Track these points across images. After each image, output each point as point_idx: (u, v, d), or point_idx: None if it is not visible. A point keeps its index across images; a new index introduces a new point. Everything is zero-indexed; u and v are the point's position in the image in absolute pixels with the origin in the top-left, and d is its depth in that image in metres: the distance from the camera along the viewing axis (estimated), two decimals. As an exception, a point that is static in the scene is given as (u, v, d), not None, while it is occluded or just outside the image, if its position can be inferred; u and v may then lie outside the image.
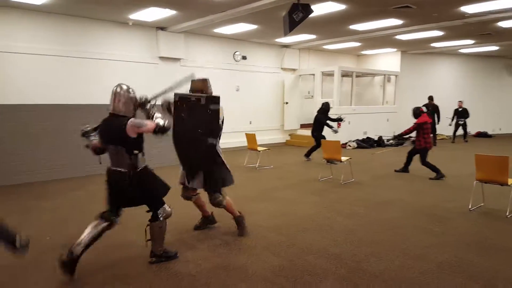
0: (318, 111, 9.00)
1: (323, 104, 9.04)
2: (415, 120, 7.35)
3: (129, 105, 3.22)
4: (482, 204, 5.23)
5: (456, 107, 13.26)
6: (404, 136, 7.73)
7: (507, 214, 4.82)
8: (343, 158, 6.95)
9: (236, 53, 11.46)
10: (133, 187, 3.20)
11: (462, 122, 13.20)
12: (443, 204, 5.46)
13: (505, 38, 11.14)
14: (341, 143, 7.14)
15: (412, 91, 13.85)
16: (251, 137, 8.44)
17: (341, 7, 7.45)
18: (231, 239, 4.05)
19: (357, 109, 12.60)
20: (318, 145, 8.72)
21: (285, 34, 6.76)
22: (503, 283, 3.10)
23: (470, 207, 5.14)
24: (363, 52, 14.29)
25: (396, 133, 8.07)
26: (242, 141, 9.16)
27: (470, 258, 3.58)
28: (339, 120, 9.14)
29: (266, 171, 7.89)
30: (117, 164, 3.22)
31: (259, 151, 8.32)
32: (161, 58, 9.89)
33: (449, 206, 5.34)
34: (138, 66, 9.48)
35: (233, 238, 4.06)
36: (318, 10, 7.37)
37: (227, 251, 3.73)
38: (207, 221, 4.41)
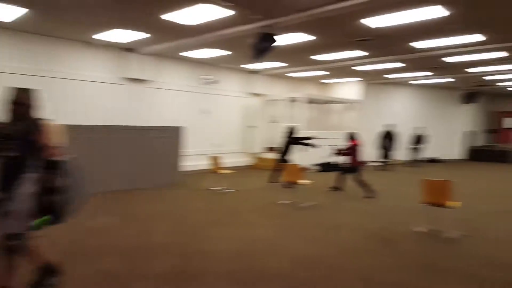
0: (286, 136, 9.19)
1: (289, 128, 9.27)
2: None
3: None
4: (427, 226, 5.60)
5: (414, 133, 14.18)
6: (341, 154, 8.48)
7: (448, 235, 5.21)
8: (304, 182, 7.23)
9: (205, 76, 11.70)
10: None
11: (419, 147, 14.12)
12: (391, 226, 5.80)
13: (454, 72, 12.15)
14: (302, 166, 7.47)
15: (373, 118, 14.65)
16: (215, 160, 8.57)
17: (311, 38, 7.92)
18: (188, 264, 4.11)
19: (321, 134, 13.09)
20: (280, 168, 8.96)
21: (253, 62, 7.10)
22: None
23: (416, 229, 5.51)
24: (328, 81, 14.99)
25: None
26: (207, 164, 9.28)
27: (413, 280, 3.85)
28: (308, 138, 9.23)
29: (229, 195, 8.01)
30: None
31: (223, 174, 8.45)
32: (129, 79, 9.94)
33: (397, 228, 5.69)
34: (105, 86, 9.48)
35: (191, 263, 4.13)
36: (289, 39, 7.87)
37: (185, 277, 3.78)
38: (47, 272, 3.11)
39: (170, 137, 8.95)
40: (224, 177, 8.54)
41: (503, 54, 9.15)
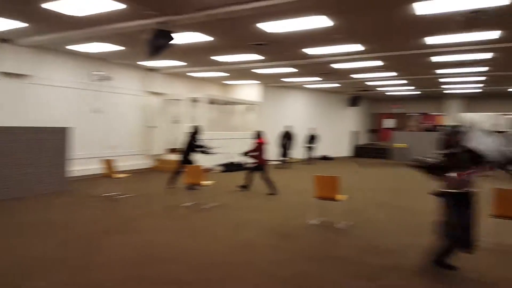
0: (188, 135, 8.93)
1: (192, 127, 9.02)
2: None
3: None
4: (320, 218, 6.02)
5: (308, 133, 15.26)
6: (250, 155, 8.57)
7: (338, 225, 5.67)
8: (206, 183, 7.15)
9: (97, 73, 10.77)
10: None
11: (312, 146, 15.24)
12: (289, 221, 6.09)
13: (341, 78, 13.39)
14: (206, 167, 7.39)
15: (272, 119, 15.33)
16: (108, 163, 7.92)
17: (209, 38, 7.83)
18: (78, 278, 3.69)
19: (223, 135, 13.19)
20: (182, 169, 8.70)
21: (148, 59, 6.73)
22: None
23: (310, 221, 5.88)
24: (229, 82, 15.18)
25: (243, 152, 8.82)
26: (100, 168, 8.54)
27: (309, 269, 4.07)
28: (205, 147, 8.92)
29: (126, 200, 7.46)
30: None
31: (118, 178, 7.86)
32: (3, 73, 8.61)
33: (294, 222, 5.99)
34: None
35: (82, 277, 3.72)
36: (186, 38, 7.67)
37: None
38: None
39: (54, 139, 7.99)
40: (120, 181, 7.95)
41: (379, 63, 10.37)
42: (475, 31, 6.76)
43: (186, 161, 8.68)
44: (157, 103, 12.77)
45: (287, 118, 15.44)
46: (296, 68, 11.46)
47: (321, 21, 6.46)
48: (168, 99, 13.04)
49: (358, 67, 11.14)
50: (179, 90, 13.52)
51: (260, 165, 8.46)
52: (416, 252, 4.54)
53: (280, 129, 14.09)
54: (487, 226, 4.53)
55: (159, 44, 6.40)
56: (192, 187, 7.65)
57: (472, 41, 7.70)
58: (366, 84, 15.28)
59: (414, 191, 9.01)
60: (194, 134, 8.91)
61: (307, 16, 6.22)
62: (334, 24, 6.63)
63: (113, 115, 11.31)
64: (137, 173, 10.50)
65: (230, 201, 7.51)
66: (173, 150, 12.39)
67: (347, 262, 4.28)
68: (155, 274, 3.82)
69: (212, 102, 13.60)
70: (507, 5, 5.37)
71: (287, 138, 13.95)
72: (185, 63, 11.15)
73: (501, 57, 9.08)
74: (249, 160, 8.73)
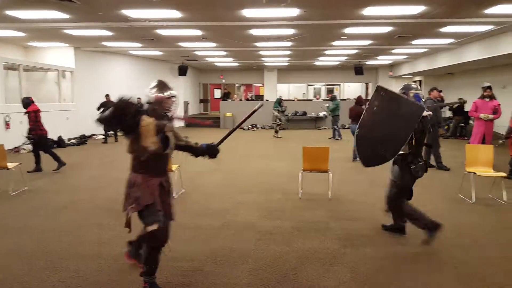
0: None
1: None
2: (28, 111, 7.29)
3: None
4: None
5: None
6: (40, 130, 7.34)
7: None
8: (10, 165, 5.92)
9: None
10: None
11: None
12: (119, 196, 5.66)
13: (165, 45, 12.94)
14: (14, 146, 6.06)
15: (90, 88, 13.66)
16: None
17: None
18: None
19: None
20: None
21: None
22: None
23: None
24: (31, 44, 12.63)
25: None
26: None
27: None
28: None
29: None
30: None
31: None
32: None
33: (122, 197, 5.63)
34: None
35: None
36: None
37: None
38: None
39: None
40: None
41: (198, 32, 10.33)
42: (280, 6, 7.36)
43: None
44: None
45: (109, 87, 13.95)
46: (113, 31, 10.30)
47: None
48: None
49: (181, 35, 10.94)
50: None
51: (41, 137, 7.27)
52: (245, 208, 4.91)
53: (101, 99, 12.56)
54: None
55: None
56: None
57: (279, 17, 8.49)
58: (194, 54, 15.33)
59: (240, 155, 9.75)
60: None
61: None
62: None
63: None
64: None
65: (44, 184, 6.49)
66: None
67: (182, 228, 4.28)
68: None
69: (12, 67, 11.17)
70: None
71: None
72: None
73: (301, 33, 10.41)
74: (30, 132, 7.32)
